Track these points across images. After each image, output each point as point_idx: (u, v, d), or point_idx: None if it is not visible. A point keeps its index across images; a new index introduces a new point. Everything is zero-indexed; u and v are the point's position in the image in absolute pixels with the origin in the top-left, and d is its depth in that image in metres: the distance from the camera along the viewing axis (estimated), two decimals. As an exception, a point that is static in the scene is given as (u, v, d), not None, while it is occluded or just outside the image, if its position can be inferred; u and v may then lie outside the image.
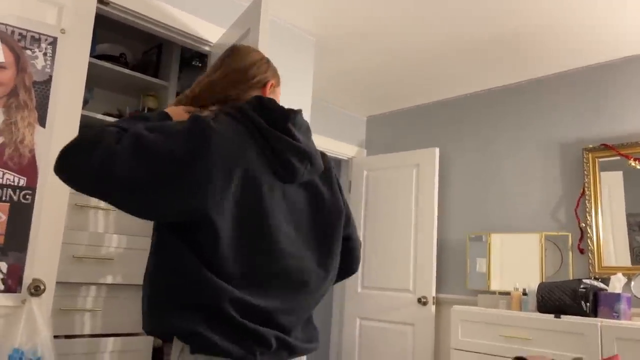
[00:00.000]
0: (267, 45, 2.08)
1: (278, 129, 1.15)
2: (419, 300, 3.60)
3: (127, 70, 2.69)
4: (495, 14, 2.74)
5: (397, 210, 3.91)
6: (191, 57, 2.94)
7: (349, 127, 4.45)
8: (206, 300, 1.04)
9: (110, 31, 2.81)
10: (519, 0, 2.60)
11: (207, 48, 2.62)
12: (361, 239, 4.11)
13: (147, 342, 2.52)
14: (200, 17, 2.55)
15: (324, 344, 4.40)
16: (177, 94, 2.90)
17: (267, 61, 1.35)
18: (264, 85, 1.30)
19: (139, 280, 2.50)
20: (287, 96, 2.97)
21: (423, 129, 4.13)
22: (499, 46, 3.11)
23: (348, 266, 1.36)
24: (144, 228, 2.64)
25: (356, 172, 4.29)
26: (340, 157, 4.38)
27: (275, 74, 1.35)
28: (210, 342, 1.02)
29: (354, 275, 4.13)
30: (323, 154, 1.31)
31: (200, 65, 2.97)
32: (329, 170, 1.30)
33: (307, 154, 1.18)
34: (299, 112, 1.22)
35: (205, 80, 1.28)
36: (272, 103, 1.18)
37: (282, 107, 1.19)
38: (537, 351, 2.62)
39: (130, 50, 2.87)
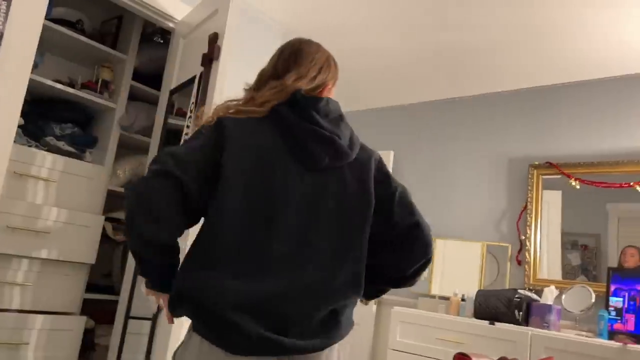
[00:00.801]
0: (234, 28, 2.04)
1: (303, 117, 1.17)
2: (361, 300, 3.63)
3: (83, 38, 2.57)
4: (459, 26, 2.81)
5: (347, 209, 3.93)
6: (153, 32, 2.85)
7: (307, 122, 4.44)
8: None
9: (69, -5, 2.68)
10: (482, 15, 2.67)
11: (171, 24, 2.54)
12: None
13: (78, 322, 2.42)
14: (167, -9, 2.46)
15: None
16: (135, 68, 2.80)
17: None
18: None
19: (76, 257, 2.41)
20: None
21: (380, 131, 4.18)
22: (460, 58, 3.19)
23: (409, 254, 1.24)
24: (87, 203, 2.53)
25: (310, 168, 4.28)
26: (295, 151, 4.36)
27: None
28: (200, 327, 1.08)
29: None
30: (364, 146, 1.27)
31: (162, 42, 2.88)
32: (366, 161, 1.23)
33: (329, 140, 1.17)
34: (323, 100, 1.21)
35: None
36: (298, 94, 1.19)
37: (306, 97, 1.19)
38: (470, 355, 2.70)
39: (88, 17, 2.75)
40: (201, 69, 2.08)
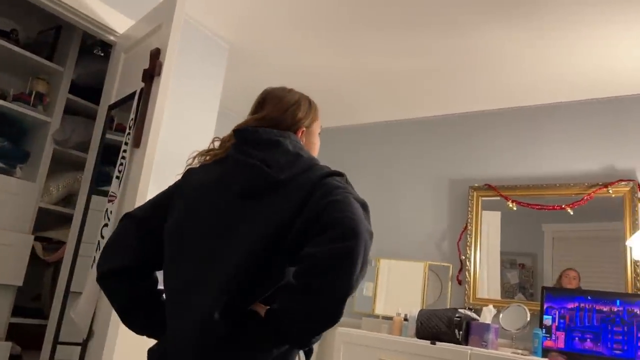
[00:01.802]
0: (177, 44, 2.00)
1: (236, 149, 1.20)
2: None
3: (16, 48, 2.45)
4: (404, 51, 2.89)
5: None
6: (93, 44, 2.76)
7: (254, 140, 4.40)
8: None
9: (3, 4, 2.55)
10: (427, 41, 2.76)
11: (112, 38, 2.46)
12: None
13: (3, 349, 2.26)
14: (108, 4, 2.40)
15: None
16: (72, 81, 2.70)
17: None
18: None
19: (2, 278, 2.25)
20: (193, 102, 2.88)
21: (326, 151, 4.19)
22: (404, 82, 3.27)
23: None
24: (15, 221, 2.39)
25: (257, 187, 4.24)
26: (242, 169, 4.31)
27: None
28: None
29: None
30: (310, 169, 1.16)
31: (102, 55, 2.79)
32: (286, 182, 1.11)
33: (255, 169, 1.13)
34: (251, 129, 1.23)
35: None
36: (237, 130, 1.25)
37: (239, 130, 1.24)
38: (412, 375, 2.72)
39: (24, 27, 2.63)
40: (142, 84, 2.03)
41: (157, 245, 1.17)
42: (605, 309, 2.66)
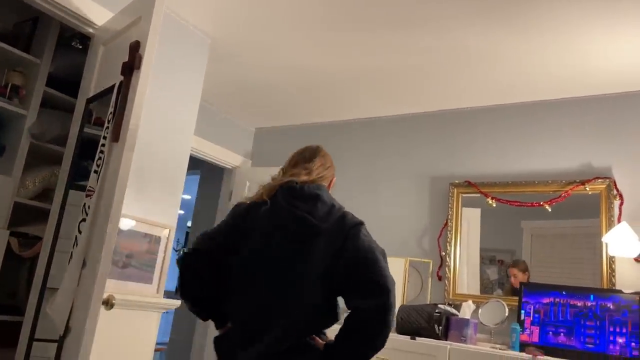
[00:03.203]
0: (157, 37, 1.98)
1: (285, 200, 1.58)
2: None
3: (-9, 39, 2.39)
4: (386, 49, 2.89)
5: (275, 224, 3.90)
6: (72, 36, 2.71)
7: (236, 136, 4.39)
8: None
9: (-23, -8, 2.49)
10: (409, 39, 2.77)
11: (90, 30, 2.42)
12: (236, 250, 4.03)
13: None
14: (87, -5, 2.35)
15: (185, 355, 4.22)
16: (50, 74, 2.65)
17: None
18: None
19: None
20: (174, 96, 2.84)
21: (309, 147, 4.20)
22: (387, 79, 3.28)
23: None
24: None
25: (239, 182, 4.23)
26: (224, 165, 4.29)
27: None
28: None
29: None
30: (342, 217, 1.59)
31: (80, 47, 2.74)
32: (328, 228, 1.53)
33: (303, 221, 1.53)
34: (305, 186, 1.62)
35: None
36: (284, 185, 1.63)
37: (288, 186, 1.62)
38: (392, 370, 2.73)
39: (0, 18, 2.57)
40: (121, 77, 1.99)
41: (224, 274, 1.58)
42: (579, 304, 2.71)
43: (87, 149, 2.38)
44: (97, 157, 1.98)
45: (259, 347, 1.45)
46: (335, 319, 1.53)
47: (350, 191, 3.85)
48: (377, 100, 3.66)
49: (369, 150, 3.91)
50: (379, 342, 1.40)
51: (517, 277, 3.05)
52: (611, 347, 2.58)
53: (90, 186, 1.96)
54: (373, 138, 3.92)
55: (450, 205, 3.40)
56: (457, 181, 3.42)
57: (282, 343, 1.44)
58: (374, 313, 1.39)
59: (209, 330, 3.96)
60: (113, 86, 2.04)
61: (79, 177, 2.41)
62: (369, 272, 1.44)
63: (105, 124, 2.02)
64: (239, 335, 1.52)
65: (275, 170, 4.46)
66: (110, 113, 1.99)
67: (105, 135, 1.99)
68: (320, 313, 1.49)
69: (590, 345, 2.63)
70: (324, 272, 1.46)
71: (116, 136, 1.91)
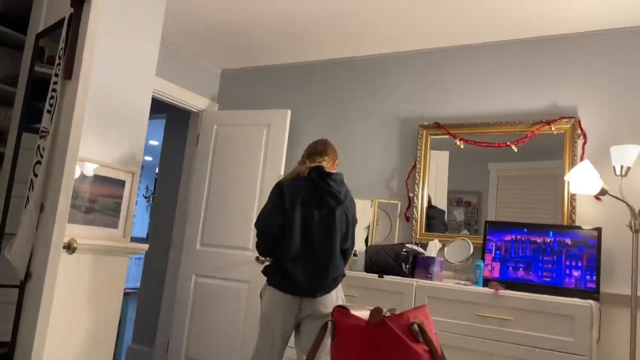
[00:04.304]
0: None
1: (322, 180, 2.46)
2: (257, 259, 3.62)
3: None
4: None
5: (244, 168, 3.87)
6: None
7: (202, 78, 4.24)
8: None
9: None
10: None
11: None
12: (205, 194, 4.00)
13: None
14: None
15: (157, 300, 4.24)
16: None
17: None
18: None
19: None
20: (132, 34, 2.70)
21: (277, 89, 4.11)
22: (355, 19, 3.18)
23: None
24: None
25: (206, 126, 4.13)
26: (190, 108, 4.17)
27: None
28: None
29: (192, 232, 4.01)
30: (349, 196, 2.58)
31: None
32: (344, 201, 2.50)
33: (335, 196, 2.45)
34: (333, 174, 2.49)
35: None
36: (321, 168, 2.50)
37: (323, 171, 2.48)
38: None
39: None
40: (71, 10, 1.86)
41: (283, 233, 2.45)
42: (538, 240, 2.80)
43: (41, 89, 2.26)
44: (49, 95, 1.88)
45: (313, 273, 2.41)
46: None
47: (319, 133, 3.80)
48: (345, 41, 3.56)
49: (337, 92, 3.84)
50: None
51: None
52: (567, 280, 2.69)
53: (43, 127, 1.86)
54: (342, 79, 3.85)
55: (419, 146, 3.40)
56: (426, 123, 3.41)
57: (328, 272, 2.42)
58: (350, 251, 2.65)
59: (180, 272, 3.98)
60: (63, 20, 1.91)
61: (33, 119, 2.30)
62: (353, 229, 2.60)
63: (57, 61, 1.91)
64: (299, 268, 2.40)
65: (243, 114, 4.38)
66: (61, 48, 1.88)
67: (57, 72, 1.88)
68: (340, 253, 2.51)
69: (547, 279, 2.74)
70: (340, 228, 2.47)
71: (68, 73, 1.80)
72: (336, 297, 2.47)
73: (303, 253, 2.39)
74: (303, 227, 2.40)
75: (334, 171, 2.54)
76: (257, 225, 2.47)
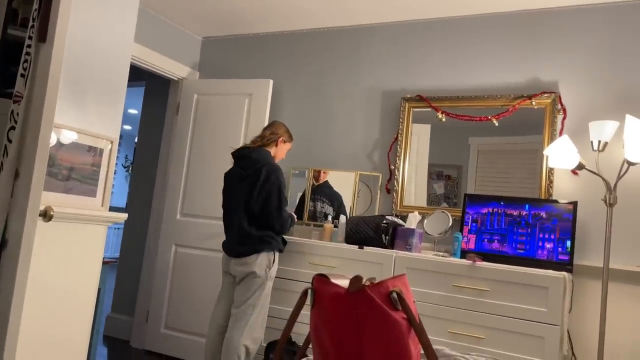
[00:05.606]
0: None
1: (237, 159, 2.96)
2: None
3: None
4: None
5: (225, 138, 3.83)
6: None
7: (182, 45, 4.15)
8: None
9: None
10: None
11: None
12: (185, 164, 3.96)
13: None
14: None
15: (136, 269, 4.23)
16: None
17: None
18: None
19: None
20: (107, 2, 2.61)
21: (259, 58, 4.04)
22: (341, -16, 3.12)
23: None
24: None
25: (186, 94, 4.06)
26: (170, 76, 4.09)
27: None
28: None
29: (172, 202, 3.98)
30: (263, 164, 2.87)
31: None
32: (259, 172, 2.83)
33: (245, 168, 2.89)
34: (242, 149, 2.96)
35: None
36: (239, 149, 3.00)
37: (237, 149, 3.00)
38: (340, 278, 2.84)
39: None
40: (44, -31, 1.79)
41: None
42: (514, 213, 2.86)
43: (14, 52, 2.18)
44: (22, 59, 1.82)
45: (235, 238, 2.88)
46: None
47: (301, 105, 3.77)
48: (328, 10, 3.50)
49: (320, 63, 3.80)
50: (282, 226, 2.95)
51: None
52: (540, 252, 2.76)
53: (17, 91, 1.80)
54: (324, 49, 3.80)
55: (401, 119, 3.40)
56: (408, 95, 3.41)
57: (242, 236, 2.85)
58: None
59: (160, 242, 3.96)
60: (36, -21, 1.83)
61: (6, 83, 2.23)
62: (274, 200, 2.90)
63: (30, 22, 1.83)
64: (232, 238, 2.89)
65: (224, 83, 4.34)
66: (35, 10, 1.80)
67: (31, 35, 1.81)
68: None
69: (521, 251, 2.80)
70: (248, 199, 2.87)
71: (43, 35, 1.74)
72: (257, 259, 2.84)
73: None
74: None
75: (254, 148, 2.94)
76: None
